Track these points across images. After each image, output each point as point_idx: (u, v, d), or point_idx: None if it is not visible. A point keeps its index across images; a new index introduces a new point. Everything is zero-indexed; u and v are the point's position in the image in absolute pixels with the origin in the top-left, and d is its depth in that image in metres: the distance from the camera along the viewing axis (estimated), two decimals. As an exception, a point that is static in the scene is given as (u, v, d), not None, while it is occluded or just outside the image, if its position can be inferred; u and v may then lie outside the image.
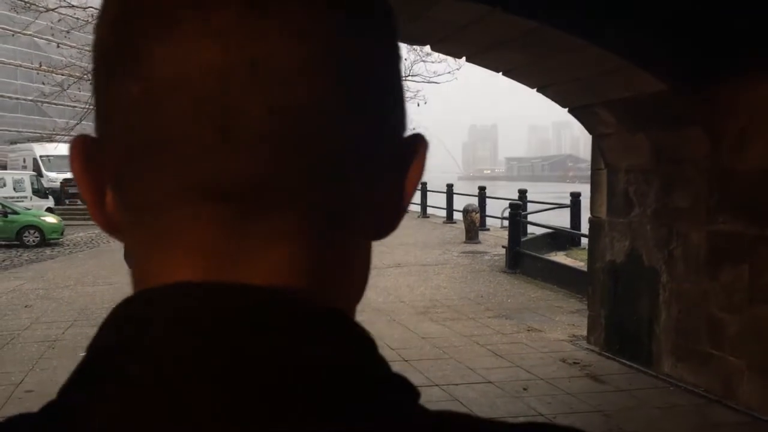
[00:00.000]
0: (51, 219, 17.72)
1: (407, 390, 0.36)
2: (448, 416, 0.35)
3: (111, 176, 0.37)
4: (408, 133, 0.41)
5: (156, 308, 0.34)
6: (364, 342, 0.36)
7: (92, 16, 15.21)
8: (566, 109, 6.26)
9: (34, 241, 16.79)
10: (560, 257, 11.11)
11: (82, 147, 0.38)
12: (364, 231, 0.39)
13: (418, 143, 0.40)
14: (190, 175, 0.34)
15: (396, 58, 0.40)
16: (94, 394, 0.32)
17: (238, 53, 0.32)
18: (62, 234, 17.48)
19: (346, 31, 0.35)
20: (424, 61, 18.84)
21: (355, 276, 0.40)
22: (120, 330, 0.34)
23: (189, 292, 0.34)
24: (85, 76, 15.55)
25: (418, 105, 20.47)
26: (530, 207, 15.13)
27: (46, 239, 16.86)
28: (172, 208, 0.35)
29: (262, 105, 0.33)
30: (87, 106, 16.04)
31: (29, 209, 18.78)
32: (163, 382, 0.31)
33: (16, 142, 35.09)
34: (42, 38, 38.60)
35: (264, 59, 0.33)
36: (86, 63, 16.16)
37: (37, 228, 16.99)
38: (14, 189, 23.63)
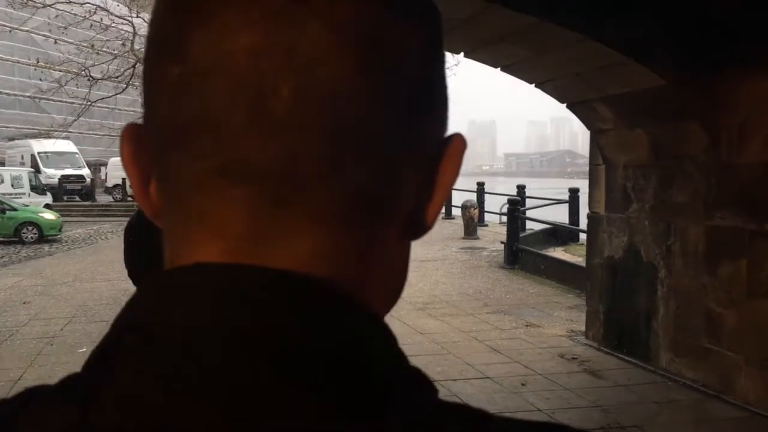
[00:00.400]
0: (49, 215, 17.70)
1: (425, 385, 0.36)
2: (463, 411, 0.35)
3: (152, 161, 0.38)
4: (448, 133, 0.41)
5: (167, 288, 0.35)
6: (382, 335, 0.36)
7: (89, 12, 15.19)
8: (564, 105, 6.26)
9: (32, 237, 16.77)
10: (559, 253, 11.12)
11: (130, 134, 0.39)
12: (393, 228, 0.39)
13: (452, 143, 0.40)
14: (220, 156, 0.34)
15: (436, 58, 0.39)
16: (104, 375, 0.33)
17: (275, 38, 0.33)
18: (60, 230, 17.45)
19: (384, 25, 0.35)
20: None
21: (383, 273, 0.39)
22: (134, 310, 0.35)
23: (202, 274, 0.35)
24: (83, 73, 15.52)
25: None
26: (529, 203, 15.15)
27: (44, 236, 16.84)
28: (201, 190, 0.35)
29: (294, 88, 0.33)
30: (85, 103, 16.02)
31: (27, 206, 18.75)
32: (166, 365, 0.32)
33: (13, 139, 35.03)
34: (40, 34, 38.52)
35: (300, 45, 0.33)
36: (83, 59, 16.13)
37: (35, 224, 16.97)
38: (12, 185, 23.61)
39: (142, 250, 4.58)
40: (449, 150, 0.39)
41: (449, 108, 0.42)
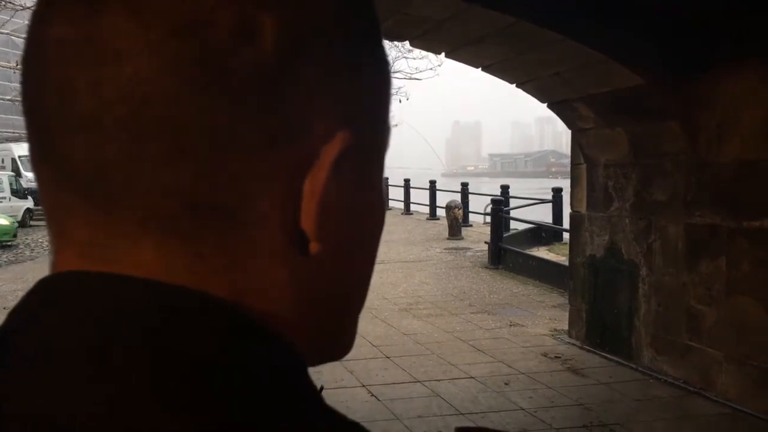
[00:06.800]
0: (2, 221, 16.73)
1: (301, 390, 0.34)
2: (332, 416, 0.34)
3: None
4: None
5: (22, 301, 0.35)
6: (265, 346, 0.34)
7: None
8: (546, 105, 6.30)
9: (-18, 242, 15.91)
10: (542, 252, 11.17)
11: None
12: (262, 239, 0.34)
13: (329, 144, 0.34)
14: (47, 159, 0.34)
15: (313, 41, 0.34)
16: None
17: (79, 27, 0.31)
18: (15, 236, 16.69)
19: (212, 8, 0.31)
20: (405, 57, 18.89)
21: (268, 292, 0.35)
22: (7, 319, 0.35)
23: (53, 284, 0.34)
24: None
25: (400, 101, 20.52)
26: (513, 203, 15.19)
27: (-2, 242, 16.06)
28: (46, 195, 0.35)
29: (91, 82, 0.31)
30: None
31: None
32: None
33: (-6, 143, 34.69)
34: (19, 37, 38.11)
35: (99, 34, 0.31)
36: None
37: (-15, 230, 16.11)
38: (-8, 189, 23.30)
39: None
40: (323, 152, 0.34)
41: (356, 98, 0.36)
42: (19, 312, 0.34)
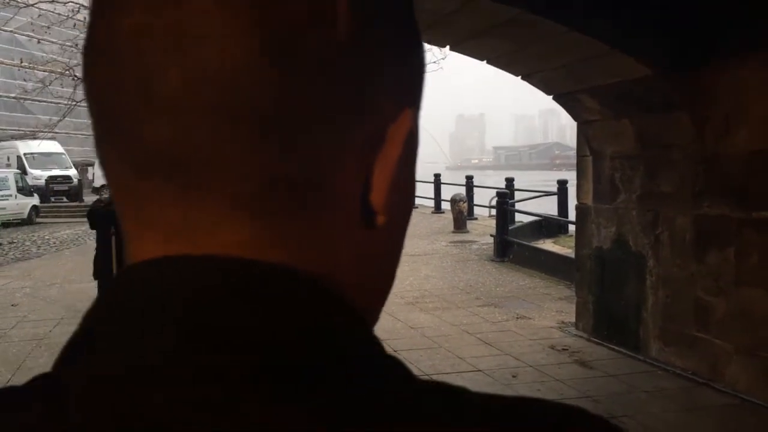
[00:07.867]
0: None
1: (400, 370, 0.35)
2: (440, 388, 0.35)
3: None
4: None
5: (110, 292, 0.35)
6: (349, 317, 0.34)
7: (72, 11, 15.07)
8: (551, 97, 6.27)
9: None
10: (548, 245, 11.16)
11: None
12: (340, 215, 0.36)
13: (396, 122, 0.36)
14: (126, 146, 0.34)
15: (374, 24, 0.35)
16: (65, 375, 0.34)
17: (159, 15, 0.32)
18: None
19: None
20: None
21: (344, 265, 0.36)
22: (92, 312, 0.36)
23: (143, 271, 0.34)
24: (67, 72, 15.41)
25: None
26: (517, 195, 15.17)
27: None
28: (120, 184, 0.35)
29: (181, 69, 0.32)
30: (70, 103, 15.91)
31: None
32: (117, 370, 0.31)
33: (-1, 140, 34.78)
34: (23, 34, 38.23)
35: (186, 22, 0.31)
36: (68, 59, 16.02)
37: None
38: (-2, 187, 23.36)
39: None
40: (391, 131, 0.36)
41: (411, 80, 0.38)
42: (104, 306, 0.35)
